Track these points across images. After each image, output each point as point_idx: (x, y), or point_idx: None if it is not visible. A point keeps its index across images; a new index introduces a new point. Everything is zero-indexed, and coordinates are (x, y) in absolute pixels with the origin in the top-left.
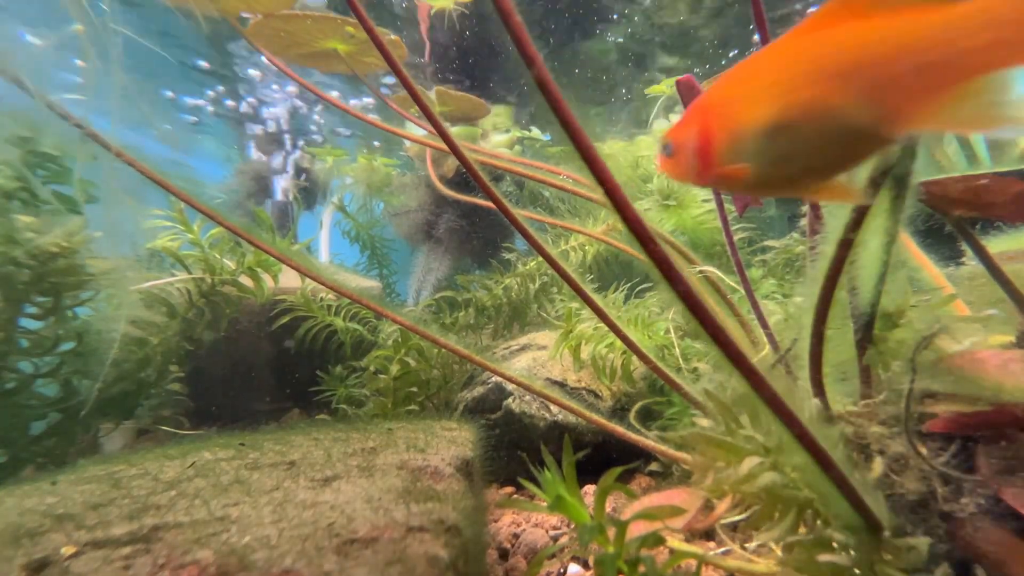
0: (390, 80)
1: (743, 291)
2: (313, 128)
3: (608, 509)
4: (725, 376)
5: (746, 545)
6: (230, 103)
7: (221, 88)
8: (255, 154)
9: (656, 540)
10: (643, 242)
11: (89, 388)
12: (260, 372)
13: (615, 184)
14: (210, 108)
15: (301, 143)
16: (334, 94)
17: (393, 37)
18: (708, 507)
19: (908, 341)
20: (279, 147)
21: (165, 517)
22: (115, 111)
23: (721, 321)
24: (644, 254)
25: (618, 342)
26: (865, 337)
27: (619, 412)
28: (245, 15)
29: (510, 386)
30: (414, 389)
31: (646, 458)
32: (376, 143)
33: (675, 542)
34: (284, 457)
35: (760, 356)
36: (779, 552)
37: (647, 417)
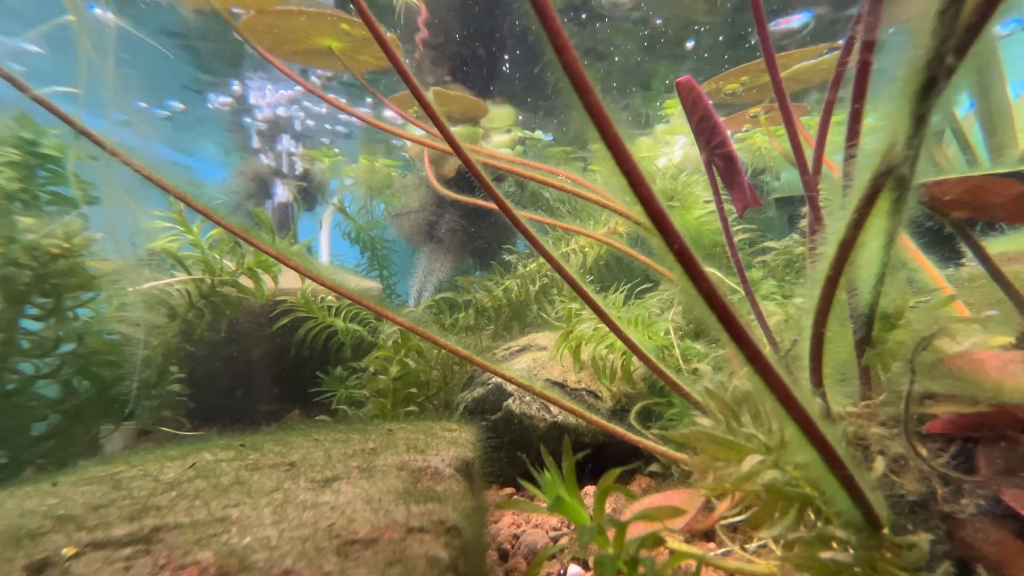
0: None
1: (743, 292)
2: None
3: (608, 510)
4: (726, 377)
5: (746, 546)
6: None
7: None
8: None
9: (656, 541)
10: (667, 237)
11: (90, 389)
12: (260, 373)
13: (640, 174)
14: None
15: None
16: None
17: (390, 35)
18: (708, 508)
19: (907, 342)
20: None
21: (165, 518)
22: (109, 108)
23: (740, 319)
24: (666, 249)
25: (618, 343)
26: (865, 338)
27: (619, 413)
28: (237, 11)
29: (510, 387)
30: (414, 390)
31: (646, 459)
32: (359, 133)
33: (675, 543)
34: (284, 458)
35: None
36: (779, 552)
37: (647, 418)
